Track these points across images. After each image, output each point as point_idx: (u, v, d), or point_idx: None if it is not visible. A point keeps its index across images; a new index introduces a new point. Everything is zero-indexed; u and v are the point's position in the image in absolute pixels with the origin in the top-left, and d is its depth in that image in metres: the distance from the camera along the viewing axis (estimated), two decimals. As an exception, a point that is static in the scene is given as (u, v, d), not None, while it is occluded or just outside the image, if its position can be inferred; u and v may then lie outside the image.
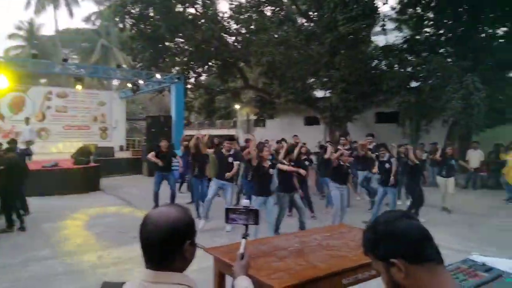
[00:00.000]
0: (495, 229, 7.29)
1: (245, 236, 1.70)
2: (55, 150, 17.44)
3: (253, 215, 1.68)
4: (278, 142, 9.54)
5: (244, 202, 1.78)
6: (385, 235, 1.05)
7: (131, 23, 17.43)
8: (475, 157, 12.14)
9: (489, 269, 2.25)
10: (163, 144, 8.49)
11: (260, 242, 3.14)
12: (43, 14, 41.06)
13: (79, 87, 15.04)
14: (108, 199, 10.20)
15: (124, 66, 27.01)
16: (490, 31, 12.94)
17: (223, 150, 6.96)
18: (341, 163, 6.72)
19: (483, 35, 12.80)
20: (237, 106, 25.59)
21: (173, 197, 8.33)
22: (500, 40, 12.28)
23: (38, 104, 17.73)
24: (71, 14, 33.92)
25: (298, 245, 2.93)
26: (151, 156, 8.23)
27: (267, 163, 5.87)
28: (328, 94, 15.26)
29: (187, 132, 25.36)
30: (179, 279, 1.13)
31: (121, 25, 17.70)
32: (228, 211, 1.73)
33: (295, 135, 10.50)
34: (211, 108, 22.78)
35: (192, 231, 1.20)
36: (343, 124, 15.24)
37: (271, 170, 5.87)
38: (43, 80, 17.90)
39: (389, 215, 1.10)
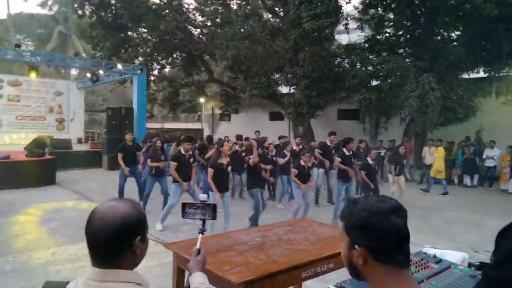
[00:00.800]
0: (445, 222, 7.73)
1: (201, 231, 1.68)
2: (8, 141, 16.48)
3: (210, 210, 1.65)
4: (238, 137, 9.54)
5: (202, 196, 1.74)
6: (364, 224, 1.00)
7: (90, 10, 16.71)
8: (429, 154, 12.79)
9: (439, 261, 2.37)
10: (129, 137, 8.24)
11: (222, 236, 3.12)
12: (-7, -4, 38.38)
13: (33, 75, 14.26)
14: (65, 193, 9.78)
15: (84, 55, 25.90)
16: (445, 34, 13.59)
17: (182, 151, 6.57)
18: (302, 163, 6.85)
19: (439, 37, 13.42)
20: (202, 100, 25.30)
21: (141, 192, 8.08)
22: (454, 43, 12.91)
23: (-13, 92, 16.65)
24: (25, -3, 31.92)
25: (260, 239, 2.95)
26: (121, 159, 7.89)
27: (226, 160, 5.85)
28: (292, 90, 15.43)
29: (150, 125, 24.83)
30: (127, 276, 1.09)
31: (80, 12, 16.93)
32: (184, 205, 1.69)
33: (257, 131, 10.63)
34: (175, 101, 22.40)
35: (143, 226, 1.15)
36: (306, 120, 15.48)
37: (229, 168, 5.85)
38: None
39: (383, 206, 1.01)
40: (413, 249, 2.57)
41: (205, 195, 1.78)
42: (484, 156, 12.47)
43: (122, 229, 1.08)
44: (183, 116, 32.78)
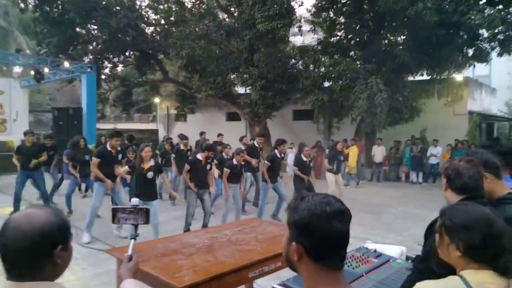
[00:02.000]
0: (394, 217, 8.12)
1: (133, 236, 1.63)
2: None
3: (143, 215, 1.61)
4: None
5: (133, 201, 1.70)
6: (305, 224, 1.00)
7: (34, 3, 15.74)
8: (378, 153, 13.40)
9: (379, 255, 2.48)
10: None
11: (169, 239, 3.07)
12: None
13: (-32, 72, 13.16)
14: (5, 199, 9.12)
15: (27, 51, 24.39)
16: (392, 38, 14.29)
17: (109, 147, 6.07)
18: (235, 162, 6.80)
19: (386, 41, 14.08)
20: (156, 100, 24.69)
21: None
22: (400, 47, 13.60)
23: None
24: (-40, -12, 29.43)
25: (208, 241, 2.93)
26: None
27: (148, 165, 5.47)
28: (248, 91, 15.49)
29: (102, 126, 23.83)
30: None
31: (22, 6, 15.90)
32: (115, 211, 1.63)
33: (220, 134, 10.65)
34: (128, 101, 21.70)
35: (65, 234, 1.09)
36: (262, 121, 15.61)
37: (149, 174, 5.42)
38: None
39: (326, 209, 1.00)
40: (361, 244, 2.69)
41: (137, 199, 1.73)
42: (428, 154, 13.24)
43: (39, 239, 1.02)
44: (137, 116, 31.82)
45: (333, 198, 1.05)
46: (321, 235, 0.99)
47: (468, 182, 1.69)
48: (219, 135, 10.66)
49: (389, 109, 11.98)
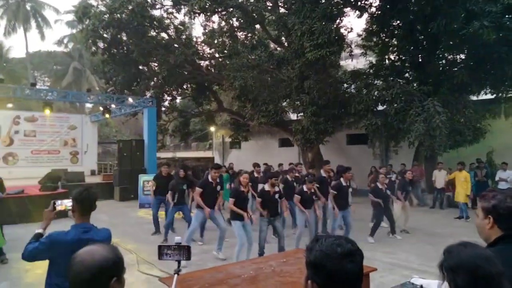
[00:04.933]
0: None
1: (177, 272, 1.76)
2: (23, 176, 16.93)
3: (185, 251, 1.74)
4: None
5: (176, 238, 1.84)
6: (317, 264, 1.09)
7: (103, 47, 17.44)
8: (440, 177, 12.61)
9: (425, 291, 2.38)
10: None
11: (217, 270, 3.18)
12: (13, 36, 40.28)
13: (47, 111, 14.79)
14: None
15: (97, 89, 26.78)
16: (449, 57, 13.68)
17: (210, 179, 6.69)
18: (305, 189, 6.94)
19: (443, 61, 13.51)
20: (212, 129, 25.67)
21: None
22: (459, 66, 12.97)
23: (6, 128, 17.28)
24: (42, 36, 33.55)
25: (253, 272, 2.99)
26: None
27: (247, 189, 6.27)
28: (300, 117, 15.59)
29: (162, 155, 25.16)
30: None
31: (93, 49, 17.69)
32: (160, 248, 1.78)
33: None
34: (186, 131, 22.79)
35: (119, 269, 1.28)
36: (315, 146, 15.53)
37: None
38: (9, 105, 17.55)
39: (337, 250, 1.09)
40: (418, 276, 2.60)
41: (179, 237, 1.88)
42: (496, 178, 12.21)
43: (99, 271, 1.22)
44: (195, 144, 33.17)
45: (345, 240, 1.12)
46: (332, 274, 1.06)
47: None
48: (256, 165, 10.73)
49: (450, 131, 11.35)
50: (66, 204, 2.36)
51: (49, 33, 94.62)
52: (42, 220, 2.47)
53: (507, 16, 10.19)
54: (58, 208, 2.39)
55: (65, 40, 35.95)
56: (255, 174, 9.93)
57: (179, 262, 1.76)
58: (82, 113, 26.42)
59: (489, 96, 13.40)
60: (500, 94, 12.74)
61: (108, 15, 15.99)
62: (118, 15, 15.83)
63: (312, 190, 7.10)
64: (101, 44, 17.40)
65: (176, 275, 1.75)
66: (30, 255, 2.23)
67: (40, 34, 33.04)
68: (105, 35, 16.87)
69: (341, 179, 7.63)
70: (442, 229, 9.29)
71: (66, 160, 18.99)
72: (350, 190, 7.83)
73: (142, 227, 9.80)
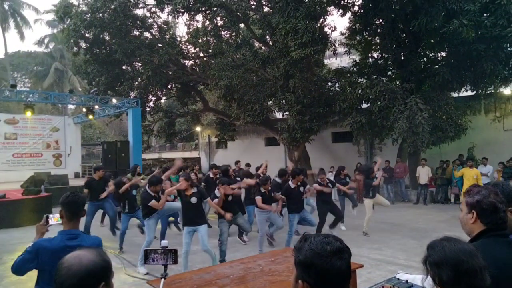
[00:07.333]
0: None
1: (164, 276, 1.76)
2: (4, 179, 16.53)
3: (171, 255, 1.74)
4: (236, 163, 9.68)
5: (163, 243, 1.83)
6: (308, 263, 1.10)
7: (85, 47, 17.16)
8: (423, 173, 12.85)
9: (410, 286, 2.43)
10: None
11: (205, 271, 3.18)
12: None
13: (29, 113, 14.47)
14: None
15: (80, 90, 26.31)
16: (431, 55, 13.94)
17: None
18: (262, 190, 6.79)
19: (424, 59, 13.75)
20: (198, 129, 25.55)
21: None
22: (440, 64, 13.21)
23: (-16, 131, 16.85)
24: (22, 36, 32.75)
25: (241, 272, 3.00)
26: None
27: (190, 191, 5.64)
28: (285, 116, 15.66)
29: (148, 156, 24.92)
30: None
31: (75, 49, 17.39)
32: (147, 252, 1.78)
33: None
34: (171, 131, 22.60)
35: (107, 273, 1.28)
36: (301, 145, 15.63)
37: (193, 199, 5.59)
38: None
39: (327, 248, 1.10)
40: (404, 271, 2.64)
41: (166, 241, 1.87)
42: (477, 173, 12.51)
43: (86, 276, 1.21)
44: (181, 145, 32.96)
45: (333, 238, 1.15)
46: (322, 273, 1.08)
47: (503, 217, 1.70)
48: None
49: (432, 128, 11.57)
50: (58, 216, 2.32)
51: (29, 33, 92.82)
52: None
53: (485, 14, 10.44)
54: (51, 222, 2.34)
55: (46, 40, 35.23)
56: (211, 175, 9.02)
57: (165, 266, 1.75)
58: (64, 114, 25.95)
59: (469, 93, 13.70)
60: (480, 91, 13.03)
61: (90, 14, 15.74)
62: (100, 14, 15.61)
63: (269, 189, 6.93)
64: (83, 44, 17.11)
65: (163, 279, 1.75)
66: (18, 267, 2.17)
67: (19, 34, 32.30)
68: (87, 35, 16.60)
69: (289, 182, 7.11)
70: (425, 224, 9.47)
71: (49, 163, 18.63)
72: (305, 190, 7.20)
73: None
